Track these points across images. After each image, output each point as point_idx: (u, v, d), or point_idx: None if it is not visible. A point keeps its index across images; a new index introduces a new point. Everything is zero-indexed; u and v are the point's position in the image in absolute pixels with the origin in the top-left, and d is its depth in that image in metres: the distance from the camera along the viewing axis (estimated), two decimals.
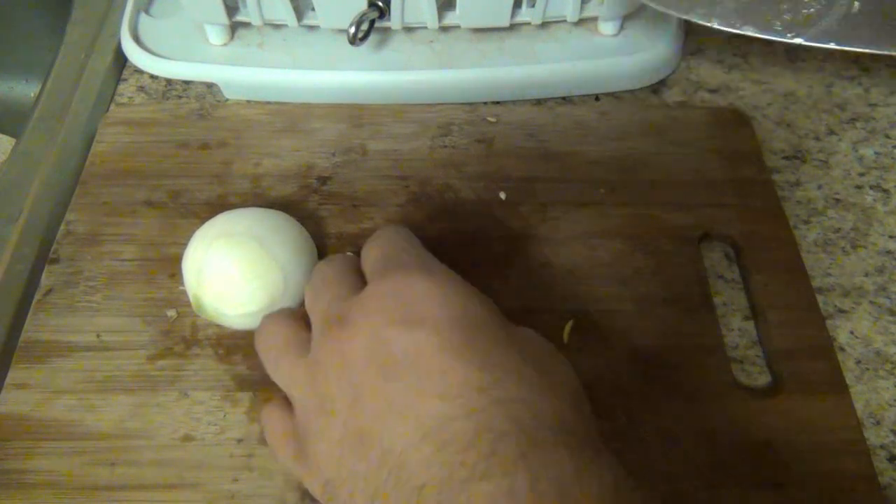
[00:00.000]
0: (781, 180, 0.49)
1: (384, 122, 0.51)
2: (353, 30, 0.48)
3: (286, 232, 0.41)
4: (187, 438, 0.38)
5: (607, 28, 0.53)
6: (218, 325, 0.41)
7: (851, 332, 0.43)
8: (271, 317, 0.35)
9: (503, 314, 0.31)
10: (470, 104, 0.52)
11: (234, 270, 0.39)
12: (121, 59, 0.55)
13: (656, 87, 0.54)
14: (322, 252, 0.44)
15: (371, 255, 0.33)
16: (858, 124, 0.52)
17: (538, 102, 0.53)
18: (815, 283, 0.44)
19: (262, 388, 0.39)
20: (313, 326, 0.32)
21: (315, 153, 0.49)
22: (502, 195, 0.47)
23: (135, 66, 0.54)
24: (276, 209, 0.43)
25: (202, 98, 0.53)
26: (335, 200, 0.47)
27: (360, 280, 0.33)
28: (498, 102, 0.52)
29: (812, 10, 0.34)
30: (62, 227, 0.46)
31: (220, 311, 0.39)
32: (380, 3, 0.49)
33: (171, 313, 0.42)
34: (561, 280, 0.43)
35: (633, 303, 0.42)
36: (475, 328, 0.29)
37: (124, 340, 0.41)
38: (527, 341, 0.31)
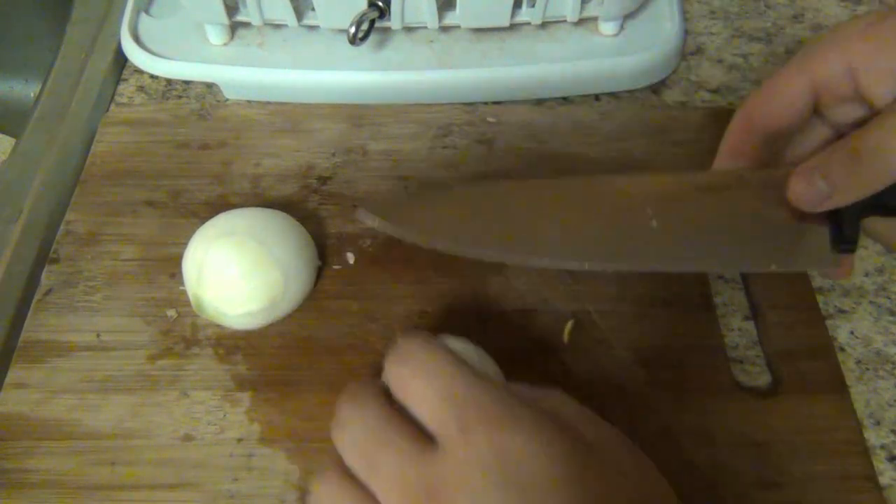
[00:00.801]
0: None
1: (384, 123, 0.51)
2: (353, 30, 0.48)
3: (286, 232, 0.41)
4: (187, 438, 0.38)
5: (607, 28, 0.53)
6: (218, 325, 0.41)
7: (851, 332, 0.43)
8: (323, 486, 0.28)
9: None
10: (470, 104, 0.52)
11: (234, 270, 0.39)
12: (121, 59, 0.55)
13: (656, 87, 0.54)
14: (322, 252, 0.44)
15: (425, 397, 0.28)
16: None
17: (538, 103, 0.53)
18: (815, 283, 0.44)
19: (261, 387, 0.40)
20: (388, 497, 0.27)
21: (315, 153, 0.49)
22: None
23: (135, 66, 0.54)
24: (276, 209, 0.43)
25: (202, 98, 0.53)
26: (335, 200, 0.47)
27: (405, 420, 0.28)
28: (498, 103, 0.52)
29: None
30: (62, 227, 0.46)
31: (221, 311, 0.39)
32: (380, 3, 0.49)
33: (171, 313, 0.42)
34: (561, 280, 0.43)
35: (633, 303, 0.42)
36: (586, 473, 0.26)
37: (124, 340, 0.41)
38: (624, 462, 0.28)
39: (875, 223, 0.35)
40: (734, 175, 0.35)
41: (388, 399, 0.29)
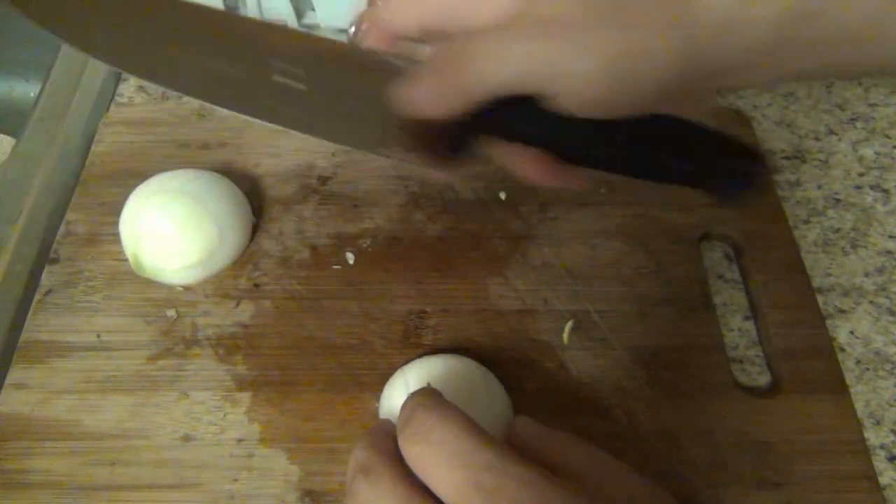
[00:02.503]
0: (781, 180, 0.49)
1: None
2: (353, 30, 0.48)
3: (218, 189, 0.43)
4: (187, 438, 0.38)
5: None
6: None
7: (851, 332, 0.43)
8: None
9: None
10: None
11: (169, 225, 0.40)
12: None
13: None
14: (322, 252, 0.44)
15: (451, 483, 0.25)
16: (858, 124, 0.52)
17: None
18: (815, 283, 0.44)
19: (261, 387, 0.40)
20: None
21: (315, 153, 0.49)
22: (502, 195, 0.47)
23: None
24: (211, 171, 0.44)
25: None
26: (335, 200, 0.47)
27: (425, 497, 0.26)
28: None
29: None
30: (62, 227, 0.46)
31: (159, 268, 0.40)
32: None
33: (171, 313, 0.42)
34: (561, 280, 0.43)
35: (633, 303, 0.42)
36: None
37: (124, 340, 0.41)
38: None
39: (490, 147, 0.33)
40: (379, 57, 0.33)
41: (403, 465, 0.27)
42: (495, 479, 0.25)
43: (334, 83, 0.33)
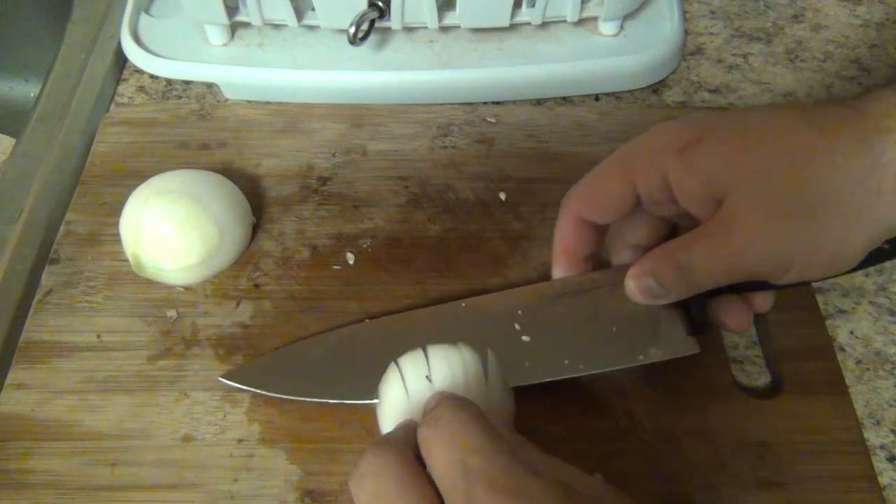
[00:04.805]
0: None
1: (384, 123, 0.51)
2: (353, 30, 0.48)
3: (219, 189, 0.43)
4: (187, 439, 0.38)
5: (607, 28, 0.53)
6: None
7: (851, 332, 0.43)
8: None
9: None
10: (470, 104, 0.52)
11: (170, 225, 0.40)
12: (121, 59, 0.55)
13: (656, 87, 0.54)
14: (322, 252, 0.44)
15: (440, 462, 0.28)
16: None
17: (538, 102, 0.52)
18: (815, 283, 0.44)
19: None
20: None
21: (315, 153, 0.49)
22: (502, 195, 0.47)
23: (135, 66, 0.54)
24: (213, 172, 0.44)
25: (202, 98, 0.53)
26: (335, 200, 0.47)
27: (424, 481, 0.28)
28: (498, 102, 0.52)
29: None
30: (62, 227, 0.46)
31: (159, 267, 0.41)
32: (380, 3, 0.49)
33: (171, 313, 0.42)
34: None
35: None
36: None
37: (124, 341, 0.41)
38: None
39: (716, 313, 0.37)
40: (586, 278, 0.37)
41: (414, 455, 0.29)
42: (481, 463, 0.27)
43: (550, 324, 0.37)
